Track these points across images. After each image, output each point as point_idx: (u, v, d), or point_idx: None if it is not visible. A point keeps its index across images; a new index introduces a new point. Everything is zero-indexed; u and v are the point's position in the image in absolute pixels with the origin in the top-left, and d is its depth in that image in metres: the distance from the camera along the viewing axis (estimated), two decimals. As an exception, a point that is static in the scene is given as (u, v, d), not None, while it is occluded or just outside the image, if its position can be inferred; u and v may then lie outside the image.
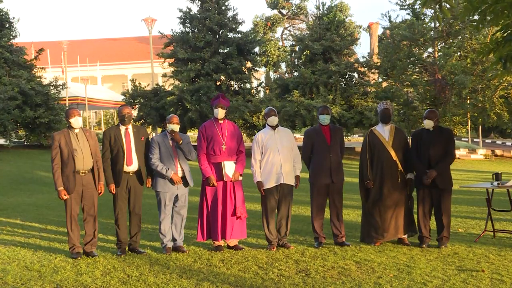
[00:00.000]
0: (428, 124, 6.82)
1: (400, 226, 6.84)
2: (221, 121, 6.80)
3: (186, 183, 6.68)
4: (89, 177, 6.33)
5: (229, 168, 6.68)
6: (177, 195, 6.61)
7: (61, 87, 22.13)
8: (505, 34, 4.62)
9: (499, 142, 34.95)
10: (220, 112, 6.78)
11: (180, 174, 6.59)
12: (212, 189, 6.66)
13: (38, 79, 21.30)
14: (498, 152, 27.57)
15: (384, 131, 6.93)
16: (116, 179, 6.48)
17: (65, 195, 6.22)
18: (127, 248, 6.58)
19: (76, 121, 6.32)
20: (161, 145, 6.56)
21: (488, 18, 4.42)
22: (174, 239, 6.64)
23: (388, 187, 6.79)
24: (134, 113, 27.11)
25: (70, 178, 6.21)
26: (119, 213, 6.54)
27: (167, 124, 6.66)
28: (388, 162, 6.79)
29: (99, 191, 6.43)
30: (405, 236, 6.95)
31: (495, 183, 7.18)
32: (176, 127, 6.65)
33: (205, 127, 6.79)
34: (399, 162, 6.80)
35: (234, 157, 6.75)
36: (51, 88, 21.41)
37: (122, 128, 6.58)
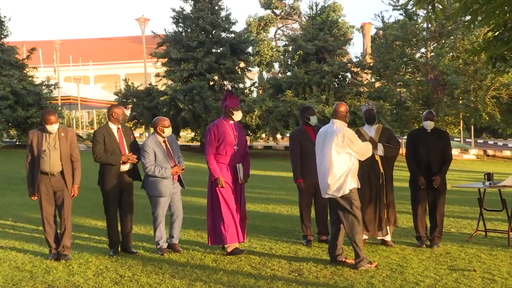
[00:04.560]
0: (430, 125, 6.87)
1: (382, 225, 6.83)
2: (231, 121, 6.59)
3: (182, 185, 6.64)
4: (59, 179, 6.19)
5: (241, 170, 6.56)
6: (173, 196, 6.52)
7: (53, 86, 22.03)
8: (496, 34, 4.65)
9: (491, 142, 35.16)
10: (241, 114, 6.64)
11: (176, 180, 6.56)
12: (227, 191, 6.40)
13: (30, 79, 21.19)
14: (490, 152, 27.71)
15: (370, 131, 6.94)
16: (113, 179, 6.39)
17: (33, 195, 6.15)
18: (119, 249, 6.55)
19: (52, 129, 6.13)
20: (156, 150, 6.41)
21: (480, 18, 4.45)
22: (171, 236, 6.58)
23: (370, 186, 6.79)
24: (127, 113, 27.08)
25: (36, 178, 6.11)
26: (111, 213, 6.50)
27: (164, 129, 6.45)
28: (370, 161, 6.76)
29: (72, 194, 6.28)
30: (389, 239, 6.94)
31: (487, 183, 7.21)
32: (169, 131, 6.54)
33: (217, 126, 6.49)
34: (380, 162, 6.80)
35: (242, 158, 6.63)
36: (43, 87, 21.31)
37: (114, 127, 6.52)
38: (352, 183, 5.87)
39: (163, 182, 6.39)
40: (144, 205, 9.44)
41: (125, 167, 6.45)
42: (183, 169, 6.59)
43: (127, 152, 6.48)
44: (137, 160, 6.52)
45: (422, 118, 7.04)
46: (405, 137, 21.73)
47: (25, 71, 21.45)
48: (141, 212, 9.10)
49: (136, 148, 6.64)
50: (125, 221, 6.57)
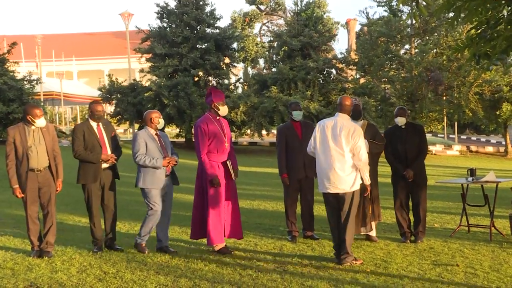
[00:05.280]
0: (401, 121, 6.94)
1: (367, 220, 6.88)
2: (218, 117, 6.44)
3: (176, 181, 6.49)
4: (46, 174, 6.12)
5: (231, 166, 6.44)
6: (165, 193, 6.38)
7: (35, 82, 21.80)
8: (479, 31, 4.69)
9: (474, 138, 35.60)
10: (227, 109, 6.53)
11: (169, 171, 6.40)
12: (220, 190, 6.26)
13: (11, 74, 20.93)
14: (473, 148, 28.04)
15: None
16: (94, 175, 6.31)
17: (19, 193, 6.05)
18: (103, 245, 6.49)
19: (41, 123, 6.07)
20: (148, 142, 6.28)
21: (463, 15, 4.49)
22: (159, 240, 6.41)
23: None
24: (111, 108, 26.88)
25: (23, 177, 6.02)
26: (94, 210, 6.39)
27: (158, 119, 6.33)
28: None
29: (57, 188, 6.23)
30: (374, 234, 6.99)
31: (470, 179, 7.30)
32: (163, 121, 6.46)
33: (206, 123, 6.29)
34: None
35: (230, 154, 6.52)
36: (25, 83, 21.08)
37: (94, 124, 6.39)
38: (360, 178, 5.89)
39: (157, 174, 6.24)
40: (127, 201, 9.40)
41: (105, 164, 6.36)
42: (176, 162, 6.44)
43: (108, 148, 6.39)
44: (115, 161, 6.41)
45: (394, 115, 7.12)
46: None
47: (6, 66, 21.16)
48: (125, 208, 9.05)
49: (117, 145, 6.54)
50: (108, 218, 6.50)
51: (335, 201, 5.91)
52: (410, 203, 7.03)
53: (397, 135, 6.99)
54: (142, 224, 6.38)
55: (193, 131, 6.69)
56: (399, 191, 6.97)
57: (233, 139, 19.46)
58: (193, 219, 6.49)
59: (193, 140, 6.59)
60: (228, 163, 6.40)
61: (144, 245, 6.35)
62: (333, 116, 6.02)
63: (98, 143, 6.32)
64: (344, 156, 5.75)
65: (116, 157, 6.42)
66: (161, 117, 6.50)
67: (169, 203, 6.51)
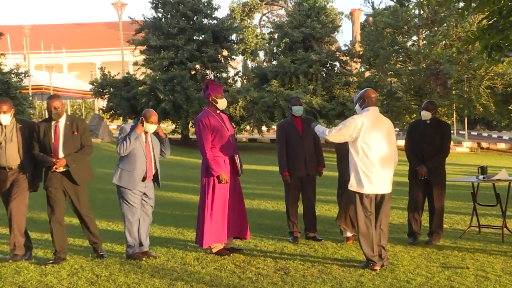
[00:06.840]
0: (425, 115, 6.88)
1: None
2: (218, 111, 6.45)
3: (158, 183, 6.35)
4: (15, 172, 6.05)
5: (239, 161, 6.44)
6: (144, 193, 6.19)
7: (23, 75, 21.79)
8: (490, 22, 4.68)
9: (485, 134, 35.54)
10: (225, 102, 6.54)
11: (153, 172, 6.24)
12: (225, 187, 6.24)
13: (-2, 66, 20.94)
14: (484, 144, 28.02)
15: None
16: (45, 178, 6.09)
17: None
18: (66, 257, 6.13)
19: (5, 118, 5.98)
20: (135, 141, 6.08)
21: (474, 4, 4.48)
22: (140, 244, 6.21)
23: None
24: (103, 103, 26.86)
25: None
26: (52, 216, 6.07)
27: (148, 124, 6.07)
28: None
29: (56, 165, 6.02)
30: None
31: (481, 177, 7.29)
32: (154, 128, 6.15)
33: (208, 117, 6.28)
34: None
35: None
36: (12, 76, 21.07)
37: (53, 122, 6.11)
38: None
39: (134, 175, 6.07)
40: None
41: (61, 168, 6.04)
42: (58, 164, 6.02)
43: (60, 152, 6.02)
44: (62, 168, 6.01)
45: (421, 108, 7.07)
46: (397, 129, 21.92)
47: (-9, 58, 21.19)
48: (117, 208, 9.03)
49: (83, 144, 6.15)
50: (85, 224, 6.24)
51: (374, 203, 5.77)
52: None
53: (418, 130, 6.94)
54: (125, 233, 6.14)
55: (194, 127, 6.64)
56: (413, 189, 6.93)
57: (232, 136, 19.39)
58: (203, 226, 6.22)
59: (195, 136, 6.54)
60: (236, 158, 6.39)
61: (137, 252, 6.14)
62: (364, 112, 5.81)
63: (48, 146, 6.04)
64: (391, 154, 5.78)
65: (61, 164, 5.98)
66: (152, 123, 6.11)
67: (152, 203, 6.31)
